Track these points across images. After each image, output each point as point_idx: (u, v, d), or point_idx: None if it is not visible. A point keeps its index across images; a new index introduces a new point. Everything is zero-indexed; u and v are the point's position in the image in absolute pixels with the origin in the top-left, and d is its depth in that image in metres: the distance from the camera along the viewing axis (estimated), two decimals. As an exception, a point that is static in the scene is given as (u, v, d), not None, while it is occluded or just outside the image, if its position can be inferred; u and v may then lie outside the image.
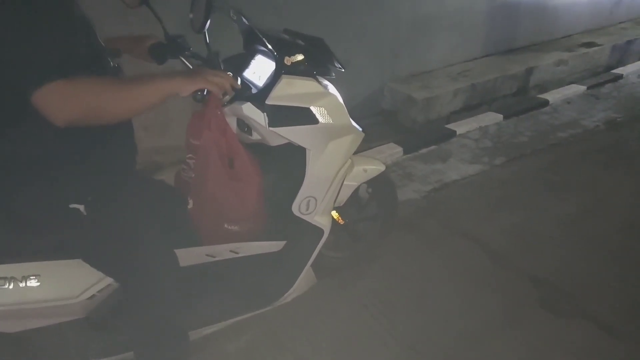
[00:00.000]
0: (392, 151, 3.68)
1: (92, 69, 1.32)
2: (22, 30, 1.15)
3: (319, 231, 1.98)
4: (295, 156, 1.83)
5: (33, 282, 1.48)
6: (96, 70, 1.36)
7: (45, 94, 1.17)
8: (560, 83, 5.00)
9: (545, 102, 4.60)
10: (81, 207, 1.45)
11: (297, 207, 1.89)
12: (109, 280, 1.59)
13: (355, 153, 2.02)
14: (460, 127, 4.10)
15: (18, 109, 1.22)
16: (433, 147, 3.86)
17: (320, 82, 1.80)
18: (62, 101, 1.19)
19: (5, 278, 1.45)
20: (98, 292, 1.59)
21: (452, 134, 4.02)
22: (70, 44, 1.23)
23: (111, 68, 1.50)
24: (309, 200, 1.89)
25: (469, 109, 4.35)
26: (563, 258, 2.66)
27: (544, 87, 4.89)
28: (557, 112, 4.48)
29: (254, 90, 1.76)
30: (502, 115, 4.31)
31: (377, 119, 4.18)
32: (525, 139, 4.01)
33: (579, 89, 4.90)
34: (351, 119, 1.92)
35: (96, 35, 1.45)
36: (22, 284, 1.47)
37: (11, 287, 1.45)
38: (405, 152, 3.72)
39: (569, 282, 2.48)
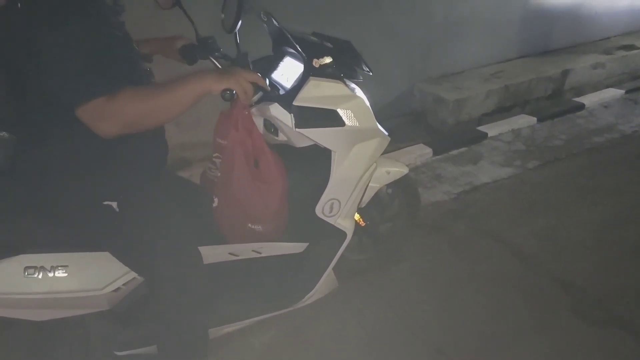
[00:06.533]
0: (422, 152, 3.65)
1: (130, 76, 1.36)
2: (64, 44, 1.21)
3: (341, 234, 1.98)
4: (320, 158, 1.83)
5: (61, 273, 1.52)
6: (133, 77, 1.40)
7: (88, 111, 1.23)
8: (597, 86, 4.87)
9: (581, 106, 4.48)
10: (114, 204, 1.51)
11: (321, 210, 1.89)
12: (134, 273, 1.61)
13: (383, 153, 1.99)
14: (492, 129, 4.03)
15: (57, 111, 1.28)
16: (464, 149, 3.81)
17: (347, 85, 1.80)
18: (104, 118, 1.25)
19: (35, 267, 1.49)
20: (123, 285, 1.62)
21: (484, 136, 3.96)
22: (111, 57, 1.27)
23: (145, 73, 1.55)
24: (332, 203, 1.89)
25: (501, 111, 4.26)
26: (596, 264, 2.60)
27: (580, 90, 4.75)
28: (593, 116, 4.37)
29: (281, 92, 1.77)
30: (535, 118, 4.22)
31: (406, 119, 4.14)
32: (559, 142, 3.93)
33: (616, 92, 4.77)
34: (377, 123, 1.91)
35: (132, 43, 1.50)
36: (50, 274, 1.50)
37: (40, 276, 1.49)
38: (435, 153, 3.68)
39: (602, 288, 2.42)
